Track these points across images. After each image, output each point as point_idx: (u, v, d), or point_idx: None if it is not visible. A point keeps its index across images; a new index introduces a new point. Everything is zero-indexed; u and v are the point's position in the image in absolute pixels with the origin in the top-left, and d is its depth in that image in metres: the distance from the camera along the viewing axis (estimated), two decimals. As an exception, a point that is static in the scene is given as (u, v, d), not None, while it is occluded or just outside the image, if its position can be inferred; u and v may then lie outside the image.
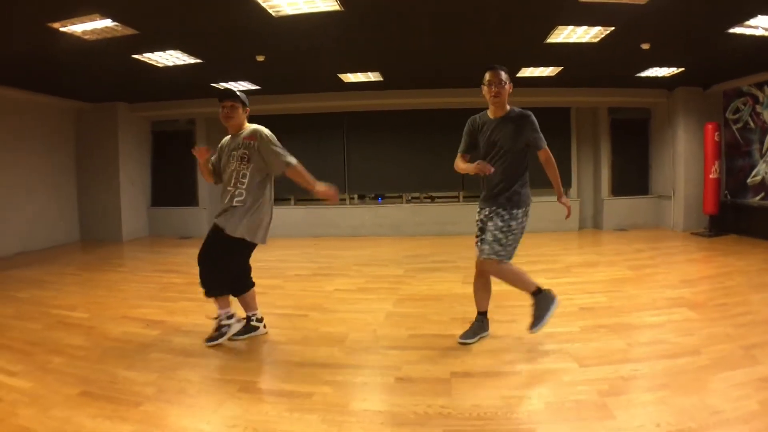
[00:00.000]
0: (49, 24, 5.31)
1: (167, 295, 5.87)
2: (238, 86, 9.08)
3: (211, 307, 4.20)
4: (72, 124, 10.51)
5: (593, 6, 5.29)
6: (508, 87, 3.85)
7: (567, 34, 6.34)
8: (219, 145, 4.27)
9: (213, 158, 4.27)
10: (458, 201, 11.18)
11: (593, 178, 11.20)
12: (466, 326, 4.25)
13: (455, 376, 3.38)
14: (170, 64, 7.11)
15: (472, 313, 4.58)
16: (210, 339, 4.12)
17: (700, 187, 9.63)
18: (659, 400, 2.94)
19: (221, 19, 5.54)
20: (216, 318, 4.17)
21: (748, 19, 5.78)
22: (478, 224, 4.00)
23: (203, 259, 4.03)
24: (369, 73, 8.61)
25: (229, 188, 4.01)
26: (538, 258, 7.59)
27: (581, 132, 11.19)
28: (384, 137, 11.01)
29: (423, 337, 4.24)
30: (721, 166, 9.47)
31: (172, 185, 11.53)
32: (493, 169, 3.72)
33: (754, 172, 9.13)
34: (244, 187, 3.96)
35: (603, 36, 6.34)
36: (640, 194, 11.15)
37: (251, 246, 4.09)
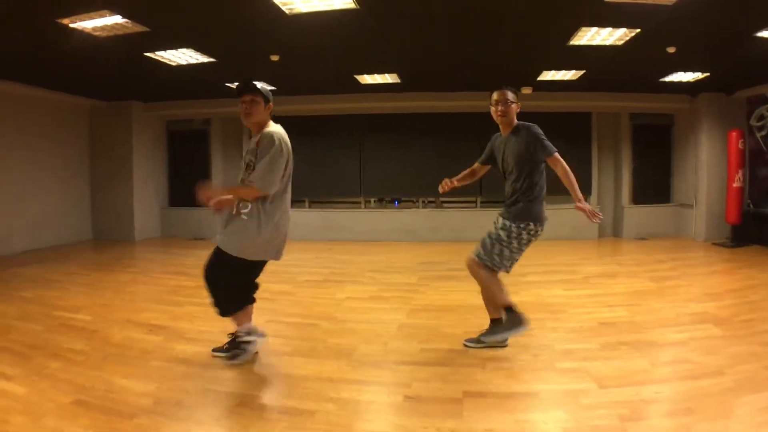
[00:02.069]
0: (59, 20, 5.21)
1: (174, 298, 5.75)
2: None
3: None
4: (86, 123, 10.47)
5: (619, 6, 5.09)
6: (515, 106, 3.95)
7: (591, 36, 6.15)
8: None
9: None
10: (475, 207, 10.98)
11: (614, 186, 10.94)
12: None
13: (468, 396, 3.20)
14: (183, 62, 7.01)
15: (487, 326, 4.44)
16: (231, 358, 3.78)
17: (723, 195, 9.36)
18: (682, 426, 2.76)
19: (233, 16, 5.41)
20: (234, 334, 3.86)
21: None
22: (495, 225, 4.03)
23: (207, 278, 3.70)
24: (386, 75, 8.46)
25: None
26: (556, 267, 7.38)
27: (602, 138, 10.94)
28: (400, 140, 10.82)
29: (435, 351, 4.06)
30: (745, 174, 9.19)
31: (186, 186, 11.38)
32: (444, 188, 4.18)
33: (778, 182, 8.85)
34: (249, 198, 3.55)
35: (628, 38, 6.14)
36: (661, 202, 10.88)
37: (261, 265, 3.79)
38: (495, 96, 3.95)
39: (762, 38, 6.05)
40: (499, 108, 3.92)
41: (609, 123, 10.92)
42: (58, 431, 2.70)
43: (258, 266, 3.80)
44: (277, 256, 3.77)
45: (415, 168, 10.79)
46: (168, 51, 6.53)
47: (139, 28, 5.50)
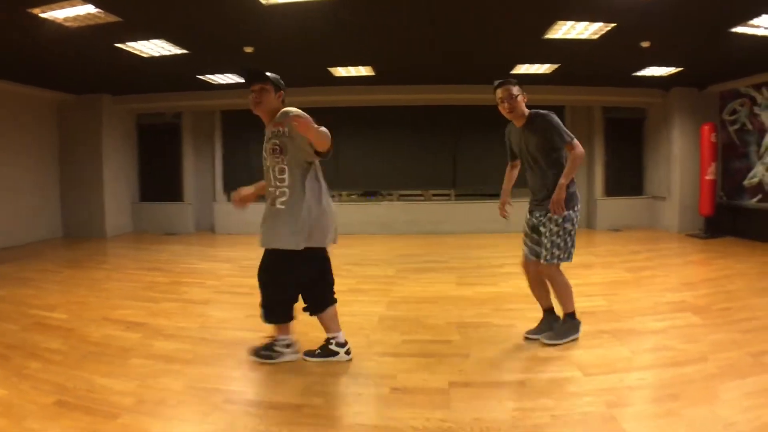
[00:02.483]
0: (29, 10, 5.05)
1: (150, 295, 5.65)
2: (225, 78, 8.85)
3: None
4: (55, 117, 10.21)
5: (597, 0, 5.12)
6: (521, 98, 3.87)
7: (566, 30, 6.16)
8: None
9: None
10: (450, 199, 11.01)
11: (587, 178, 11.03)
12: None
13: (454, 386, 3.20)
14: (155, 54, 6.85)
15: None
16: (257, 354, 3.66)
17: (696, 188, 9.52)
18: (669, 411, 2.79)
19: (208, 7, 5.30)
20: (271, 338, 3.71)
21: (752, 18, 5.64)
22: (528, 223, 4.03)
23: (260, 277, 3.54)
24: (360, 67, 8.39)
25: (270, 189, 3.42)
26: (533, 259, 7.42)
27: (575, 131, 10.69)
28: (375, 133, 10.78)
29: (418, 342, 4.06)
30: (718, 167, 9.36)
31: (158, 180, 11.28)
32: (507, 214, 4.12)
33: (751, 174, 9.03)
34: (285, 184, 3.35)
35: (603, 33, 6.17)
36: (634, 195, 11.04)
37: (317, 254, 3.54)
38: (499, 93, 3.88)
39: (736, 34, 6.12)
40: (506, 105, 3.86)
41: (582, 116, 11.01)
42: (41, 433, 2.62)
43: (320, 257, 3.60)
44: (334, 239, 3.66)
45: (390, 161, 10.77)
46: (140, 42, 6.37)
47: (111, 18, 5.35)
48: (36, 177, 9.78)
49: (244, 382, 3.41)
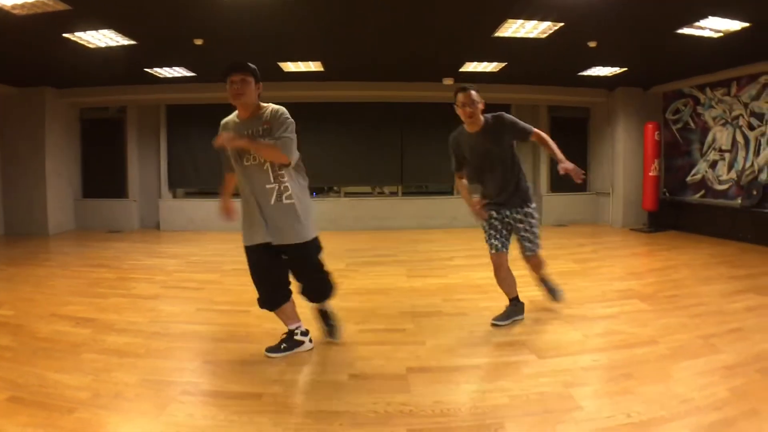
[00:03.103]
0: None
1: (97, 290, 5.50)
2: (173, 72, 8.67)
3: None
4: (-7, 110, 9.81)
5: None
6: (480, 105, 3.97)
7: (515, 29, 6.29)
8: (221, 129, 3.46)
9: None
10: (397, 195, 11.08)
11: (532, 174, 11.24)
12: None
13: (412, 372, 3.24)
14: (102, 45, 6.64)
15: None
16: (279, 350, 3.58)
17: (639, 184, 9.85)
18: (625, 389, 2.91)
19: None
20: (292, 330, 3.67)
21: (698, 20, 5.84)
22: (492, 223, 4.17)
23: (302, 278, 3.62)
24: (310, 63, 8.35)
25: (268, 186, 3.32)
26: (480, 252, 7.43)
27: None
28: (323, 129, 10.62)
29: (373, 331, 4.10)
30: (661, 164, 9.70)
31: (101, 176, 10.93)
32: (486, 216, 4.14)
33: (694, 171, 9.43)
34: (285, 180, 3.35)
35: (551, 32, 6.32)
36: (579, 191, 11.28)
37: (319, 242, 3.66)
38: (461, 98, 3.94)
39: (682, 35, 6.32)
40: (467, 110, 3.92)
41: (528, 115, 11.12)
42: (-2, 430, 2.54)
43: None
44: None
45: (337, 157, 10.75)
46: (88, 32, 6.17)
47: (60, 6, 5.16)
48: (-27, 172, 9.36)
49: (199, 374, 3.36)
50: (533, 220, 4.14)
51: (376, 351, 3.63)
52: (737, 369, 3.14)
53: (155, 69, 8.46)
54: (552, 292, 4.60)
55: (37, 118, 9.76)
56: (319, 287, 3.69)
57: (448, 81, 9.43)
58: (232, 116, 3.46)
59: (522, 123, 4.00)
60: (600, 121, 11.01)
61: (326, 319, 3.84)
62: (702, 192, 9.28)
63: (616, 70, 8.66)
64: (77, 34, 6.19)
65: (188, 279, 6.08)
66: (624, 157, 10.24)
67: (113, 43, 6.63)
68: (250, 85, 3.31)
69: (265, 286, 3.53)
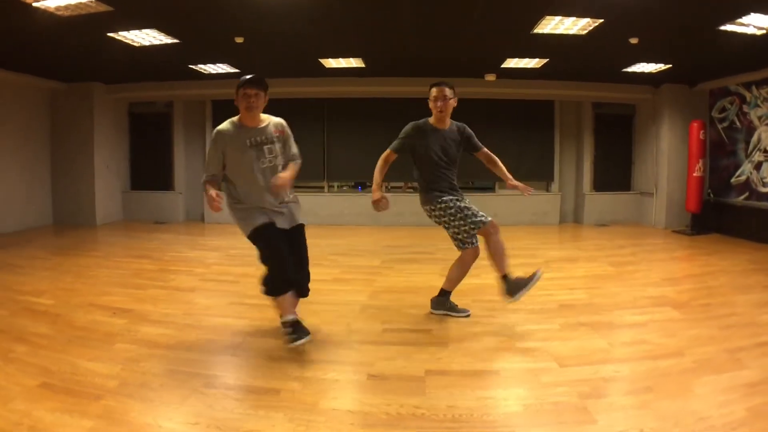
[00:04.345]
0: (21, -1, 5.07)
1: (137, 282, 5.69)
2: (216, 68, 8.86)
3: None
4: (46, 105, 10.19)
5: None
6: (452, 102, 4.28)
7: (554, 25, 6.21)
8: (220, 136, 3.69)
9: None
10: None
11: (575, 173, 11.13)
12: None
13: (430, 374, 3.26)
14: (146, 43, 6.87)
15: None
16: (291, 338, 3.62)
17: (683, 184, 9.58)
18: (642, 403, 2.85)
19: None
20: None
21: (740, 17, 5.69)
22: (461, 201, 4.32)
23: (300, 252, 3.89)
24: (351, 59, 8.42)
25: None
26: (518, 252, 7.46)
27: (564, 126, 11.10)
28: (364, 125, 10.74)
29: (398, 332, 4.12)
30: (705, 164, 9.41)
31: (149, 169, 11.27)
32: (384, 210, 4.23)
33: (738, 172, 9.11)
34: None
35: (591, 28, 6.22)
36: (622, 190, 11.12)
37: None
38: (434, 92, 4.25)
39: (724, 31, 6.15)
40: (439, 104, 4.21)
41: (571, 111, 11.08)
42: (26, 415, 2.65)
43: None
44: None
45: (379, 152, 10.75)
46: (131, 31, 6.39)
47: (102, 7, 5.36)
48: (27, 165, 9.78)
49: (224, 367, 3.47)
50: (455, 211, 4.33)
51: (398, 351, 3.66)
52: (759, 387, 3.04)
53: (199, 65, 8.67)
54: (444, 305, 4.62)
55: (85, 112, 10.14)
56: (308, 276, 3.92)
57: (490, 77, 9.36)
58: (230, 125, 3.73)
59: (476, 139, 4.46)
60: (645, 119, 10.74)
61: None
62: (746, 194, 8.95)
63: (661, 66, 8.45)
64: (121, 33, 6.40)
65: (226, 272, 6.24)
66: (668, 156, 9.97)
67: (157, 42, 6.84)
68: (261, 99, 3.70)
69: (288, 262, 3.66)
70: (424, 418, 2.70)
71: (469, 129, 4.44)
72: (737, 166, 9.17)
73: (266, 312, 4.55)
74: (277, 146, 3.74)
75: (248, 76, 3.67)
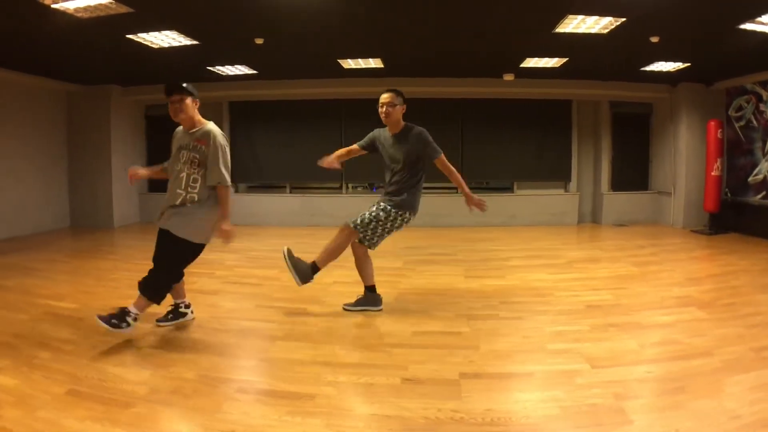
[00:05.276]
0: (40, 0, 5.06)
1: (159, 284, 5.68)
2: (235, 70, 8.88)
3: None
4: (63, 107, 10.24)
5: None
6: (399, 108, 4.46)
7: (576, 24, 6.16)
8: (174, 134, 4.21)
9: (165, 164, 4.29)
10: (456, 193, 11.00)
11: (593, 172, 11.06)
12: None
13: (464, 377, 3.23)
14: (165, 45, 6.87)
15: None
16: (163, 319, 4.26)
17: (701, 184, 9.50)
18: (676, 404, 2.83)
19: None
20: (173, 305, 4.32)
21: (760, 15, 5.63)
22: (387, 211, 4.49)
23: (158, 265, 4.02)
24: (370, 60, 8.39)
25: (179, 191, 3.93)
26: (539, 252, 7.46)
27: (582, 126, 11.03)
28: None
29: (428, 334, 4.09)
30: (723, 163, 9.33)
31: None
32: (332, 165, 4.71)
33: (755, 171, 9.02)
34: (195, 191, 3.91)
35: (613, 27, 6.17)
36: (640, 190, 11.05)
37: (200, 247, 4.05)
38: (382, 98, 4.43)
39: (744, 30, 6.10)
40: (384, 110, 4.41)
41: (589, 111, 11.01)
42: (55, 424, 2.62)
43: (200, 250, 4.10)
44: (208, 238, 4.09)
45: None
46: (151, 33, 6.38)
47: (122, 8, 5.35)
48: (44, 167, 9.83)
49: (256, 372, 3.46)
50: (378, 211, 4.45)
51: (430, 354, 3.63)
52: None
53: (217, 67, 8.68)
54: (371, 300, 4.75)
55: (102, 115, 10.18)
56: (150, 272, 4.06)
57: (508, 77, 9.32)
58: (181, 128, 4.11)
59: (434, 146, 4.42)
60: (662, 118, 10.66)
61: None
62: (763, 193, 8.86)
63: (679, 65, 8.38)
64: (141, 35, 6.40)
65: (248, 275, 6.22)
66: (686, 155, 9.89)
67: (176, 44, 6.83)
68: (187, 103, 3.91)
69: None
70: (463, 422, 2.68)
71: (425, 135, 4.45)
72: (754, 165, 9.08)
73: (294, 315, 4.56)
74: (195, 155, 3.88)
75: (168, 84, 3.94)
